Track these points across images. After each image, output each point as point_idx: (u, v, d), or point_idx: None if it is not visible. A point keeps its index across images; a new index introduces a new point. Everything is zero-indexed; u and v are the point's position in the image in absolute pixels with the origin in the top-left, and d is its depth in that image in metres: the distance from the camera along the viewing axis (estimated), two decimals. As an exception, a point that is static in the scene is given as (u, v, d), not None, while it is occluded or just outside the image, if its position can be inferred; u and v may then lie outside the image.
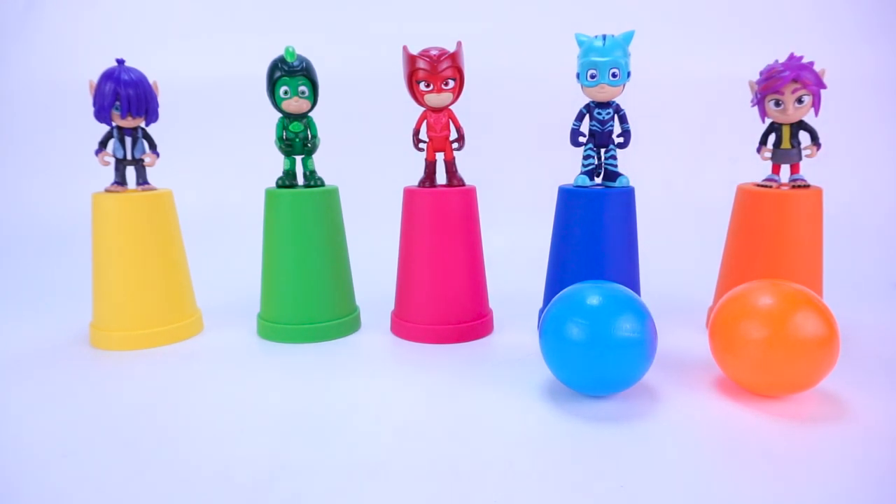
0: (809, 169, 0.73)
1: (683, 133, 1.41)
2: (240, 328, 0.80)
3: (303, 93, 0.72)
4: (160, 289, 0.74)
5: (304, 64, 0.72)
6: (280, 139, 0.74)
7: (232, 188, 1.42)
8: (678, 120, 1.36)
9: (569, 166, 0.79)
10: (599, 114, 0.69)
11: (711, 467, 0.45)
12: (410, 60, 0.70)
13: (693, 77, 1.44)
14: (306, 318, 0.75)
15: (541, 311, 0.77)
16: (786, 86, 0.67)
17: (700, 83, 1.42)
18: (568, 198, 0.73)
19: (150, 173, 0.76)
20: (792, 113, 0.68)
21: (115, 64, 0.72)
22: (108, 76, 0.70)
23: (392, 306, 0.80)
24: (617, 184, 0.71)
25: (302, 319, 0.75)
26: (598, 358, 0.52)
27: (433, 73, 0.69)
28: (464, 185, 0.75)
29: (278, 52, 0.71)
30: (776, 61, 0.69)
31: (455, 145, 0.74)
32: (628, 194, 0.71)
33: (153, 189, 0.76)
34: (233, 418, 0.54)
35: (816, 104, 0.68)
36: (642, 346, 0.53)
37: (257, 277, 0.79)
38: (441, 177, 0.76)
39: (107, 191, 0.74)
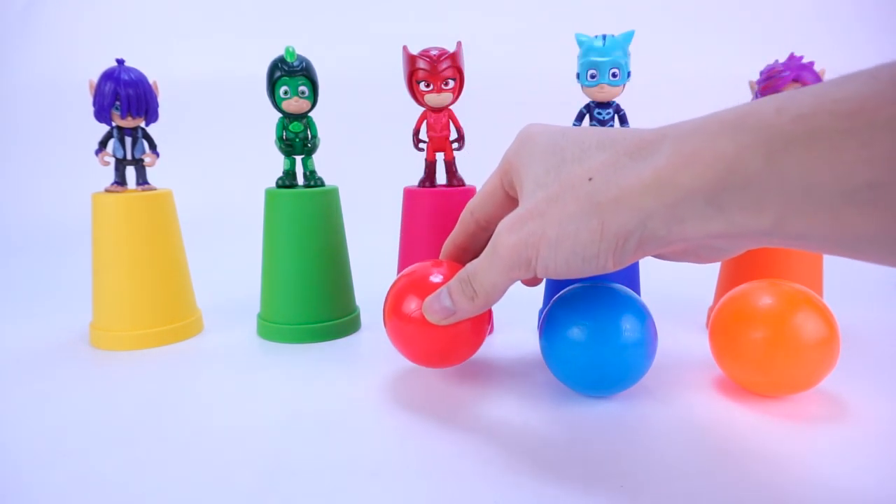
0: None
1: (683, 133, 1.40)
2: (240, 328, 0.80)
3: (303, 93, 0.72)
4: (160, 289, 0.74)
5: (304, 64, 0.72)
6: (280, 139, 0.74)
7: (232, 188, 1.42)
8: (678, 120, 1.35)
9: (569, 166, 0.79)
10: (599, 114, 0.69)
11: (711, 467, 0.45)
12: (410, 60, 0.70)
13: (693, 77, 1.44)
14: (306, 318, 0.75)
15: (541, 311, 0.77)
16: (786, 86, 0.67)
17: (700, 83, 1.42)
18: (568, 198, 0.72)
19: (151, 173, 0.76)
20: (792, 113, 0.68)
21: (115, 64, 0.72)
22: (107, 76, 0.70)
23: (392, 306, 0.80)
24: (617, 184, 0.71)
25: (302, 319, 0.75)
26: (598, 358, 0.52)
27: (433, 73, 0.69)
28: (464, 185, 0.75)
29: (278, 52, 0.71)
30: (776, 61, 0.69)
31: (455, 145, 0.74)
32: (628, 194, 0.71)
33: (153, 189, 0.76)
34: (232, 418, 0.54)
35: (816, 104, 0.68)
36: (642, 347, 0.53)
37: (257, 277, 0.79)
38: (441, 177, 0.76)
39: (107, 191, 0.74)
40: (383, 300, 0.59)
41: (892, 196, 0.30)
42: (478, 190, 0.56)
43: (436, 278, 0.55)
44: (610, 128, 0.46)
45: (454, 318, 0.51)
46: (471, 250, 0.59)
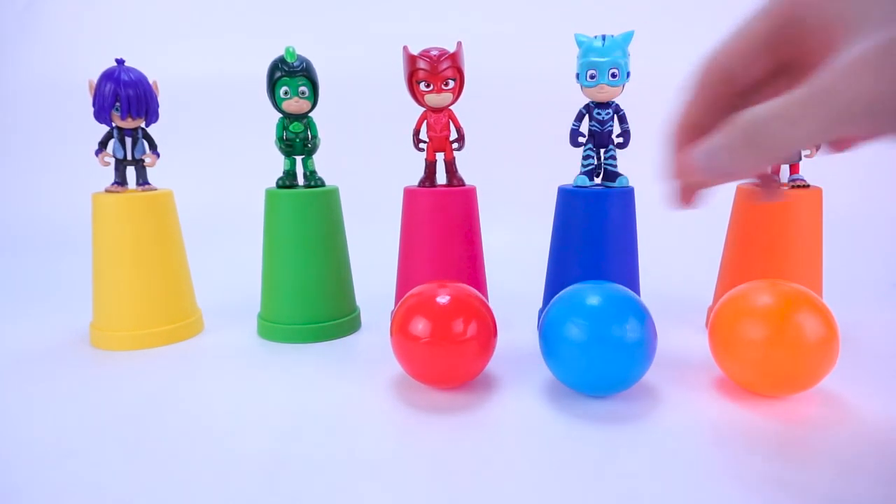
0: (809, 169, 0.73)
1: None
2: (240, 328, 0.80)
3: (303, 93, 0.72)
4: (160, 289, 0.74)
5: (305, 64, 0.72)
6: (280, 139, 0.74)
7: (232, 188, 1.42)
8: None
9: (569, 166, 0.79)
10: (599, 114, 0.69)
11: (711, 467, 0.45)
12: (410, 60, 0.70)
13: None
14: (306, 318, 0.75)
15: (541, 311, 0.77)
16: (786, 86, 0.67)
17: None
18: (568, 198, 0.73)
19: (151, 173, 0.76)
20: (792, 113, 0.68)
21: (115, 64, 0.72)
22: (107, 76, 0.70)
23: (392, 306, 0.80)
24: (617, 184, 0.71)
25: (302, 319, 0.75)
26: (598, 358, 0.52)
27: (433, 73, 0.69)
28: (464, 185, 0.75)
29: (278, 52, 0.71)
30: (776, 61, 0.69)
31: (455, 145, 0.74)
32: (628, 194, 0.71)
33: (153, 189, 0.76)
34: (233, 418, 0.54)
35: (816, 104, 0.68)
36: (642, 347, 0.53)
37: (257, 277, 0.79)
38: (441, 177, 0.76)
39: (107, 191, 0.74)
40: (391, 318, 0.59)
41: None
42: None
43: (442, 299, 0.56)
44: None
45: (728, 179, 0.38)
46: (704, 129, 0.40)
